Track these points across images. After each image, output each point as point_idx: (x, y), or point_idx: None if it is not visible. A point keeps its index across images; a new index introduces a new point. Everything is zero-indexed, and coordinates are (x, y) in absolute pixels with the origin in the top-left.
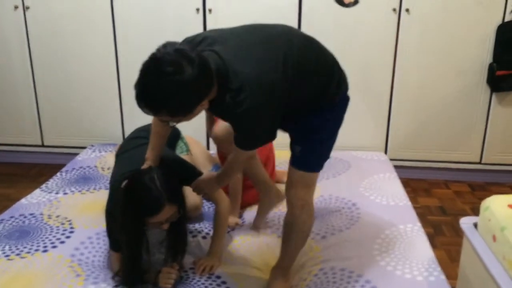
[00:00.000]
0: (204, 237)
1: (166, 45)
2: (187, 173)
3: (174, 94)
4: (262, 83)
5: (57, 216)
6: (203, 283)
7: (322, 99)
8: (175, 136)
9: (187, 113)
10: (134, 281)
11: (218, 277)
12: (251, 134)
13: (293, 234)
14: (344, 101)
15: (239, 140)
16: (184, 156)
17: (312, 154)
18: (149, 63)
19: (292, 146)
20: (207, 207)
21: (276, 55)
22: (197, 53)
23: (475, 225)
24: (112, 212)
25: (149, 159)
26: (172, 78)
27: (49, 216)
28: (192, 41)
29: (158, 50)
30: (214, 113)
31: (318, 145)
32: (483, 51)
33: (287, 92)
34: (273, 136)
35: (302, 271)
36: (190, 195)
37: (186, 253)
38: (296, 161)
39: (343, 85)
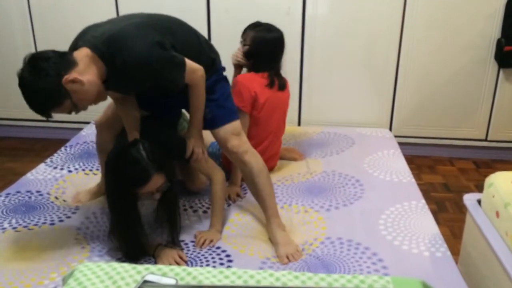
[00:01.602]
0: (205, 212)
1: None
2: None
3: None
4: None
5: (64, 201)
6: (205, 257)
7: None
8: (178, 116)
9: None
10: (135, 254)
11: (219, 248)
12: (160, 75)
13: (257, 179)
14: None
15: (171, 81)
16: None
17: (220, 109)
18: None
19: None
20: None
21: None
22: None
23: (479, 201)
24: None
25: (133, 134)
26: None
27: (56, 198)
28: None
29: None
30: (118, 89)
31: (220, 99)
32: (491, 26)
33: None
34: (183, 59)
35: (307, 235)
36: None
37: (179, 226)
38: (215, 121)
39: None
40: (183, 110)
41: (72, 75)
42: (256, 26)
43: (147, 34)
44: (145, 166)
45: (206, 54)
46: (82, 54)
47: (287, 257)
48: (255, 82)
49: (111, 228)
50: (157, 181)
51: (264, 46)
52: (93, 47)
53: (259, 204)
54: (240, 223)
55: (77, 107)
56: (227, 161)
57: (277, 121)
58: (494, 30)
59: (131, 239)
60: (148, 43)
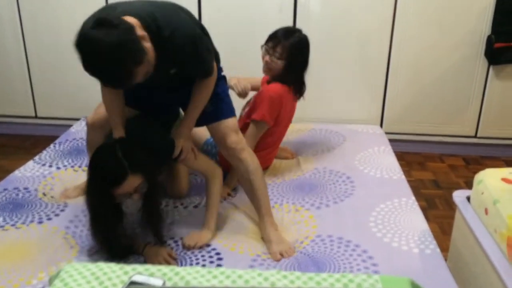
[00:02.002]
0: (195, 207)
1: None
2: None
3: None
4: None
5: (52, 197)
6: (195, 255)
7: None
8: (175, 116)
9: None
10: (116, 253)
11: (209, 245)
12: (200, 57)
13: (252, 177)
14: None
15: (205, 68)
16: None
17: (222, 103)
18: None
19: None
20: (200, 179)
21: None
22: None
23: (468, 198)
24: None
25: (118, 130)
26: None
27: (44, 194)
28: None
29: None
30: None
31: (221, 94)
32: (481, 23)
33: None
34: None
35: (297, 234)
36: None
37: (163, 226)
38: (217, 114)
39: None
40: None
41: (140, 31)
42: (286, 35)
43: (186, 16)
44: (120, 166)
45: (213, 48)
46: (132, 22)
47: (281, 254)
48: (285, 96)
49: (90, 227)
50: (133, 182)
51: (301, 56)
52: (138, 17)
53: (252, 202)
54: (230, 220)
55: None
56: (224, 161)
57: (286, 128)
58: (485, 27)
59: (109, 238)
60: (192, 23)
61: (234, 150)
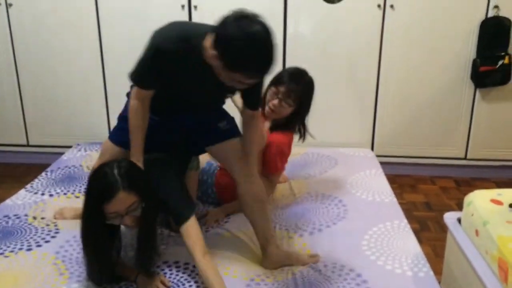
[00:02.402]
0: None
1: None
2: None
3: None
4: None
5: (42, 218)
6: (188, 281)
7: None
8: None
9: None
10: (108, 279)
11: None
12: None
13: (264, 199)
14: None
15: (259, 101)
16: (193, 172)
17: (233, 120)
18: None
19: (215, 125)
20: None
21: None
22: None
23: (459, 220)
24: None
25: (135, 158)
26: None
27: (34, 218)
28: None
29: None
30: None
31: (229, 115)
32: (466, 47)
33: None
34: None
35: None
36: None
37: (156, 254)
38: (230, 132)
39: None
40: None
41: None
42: (297, 79)
43: None
44: (111, 181)
45: None
46: None
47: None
48: (291, 142)
49: (82, 249)
50: (125, 199)
51: (309, 100)
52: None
53: (259, 223)
54: (223, 245)
55: None
56: (222, 191)
57: None
58: (470, 50)
59: (99, 261)
60: None
61: (254, 171)
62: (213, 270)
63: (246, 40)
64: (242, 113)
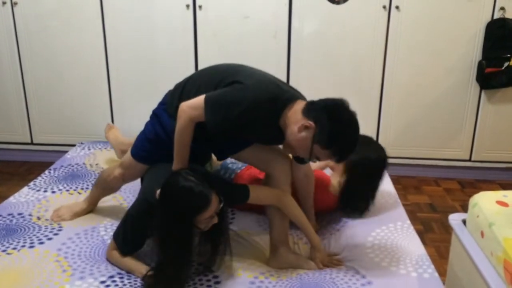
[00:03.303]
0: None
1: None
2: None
3: None
4: None
5: (47, 220)
6: (192, 279)
7: None
8: (207, 158)
9: None
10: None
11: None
12: None
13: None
14: None
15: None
16: None
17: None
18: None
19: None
20: None
21: None
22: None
23: (464, 221)
24: (136, 218)
25: (175, 167)
26: None
27: (38, 218)
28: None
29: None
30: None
31: None
32: (472, 49)
33: None
34: None
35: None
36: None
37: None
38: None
39: None
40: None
41: None
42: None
43: None
44: (201, 190)
45: None
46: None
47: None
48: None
49: (157, 270)
50: (215, 202)
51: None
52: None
53: (277, 221)
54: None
55: None
56: None
57: None
58: (475, 52)
59: (183, 276)
60: None
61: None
62: (294, 207)
63: (350, 131)
64: (294, 168)
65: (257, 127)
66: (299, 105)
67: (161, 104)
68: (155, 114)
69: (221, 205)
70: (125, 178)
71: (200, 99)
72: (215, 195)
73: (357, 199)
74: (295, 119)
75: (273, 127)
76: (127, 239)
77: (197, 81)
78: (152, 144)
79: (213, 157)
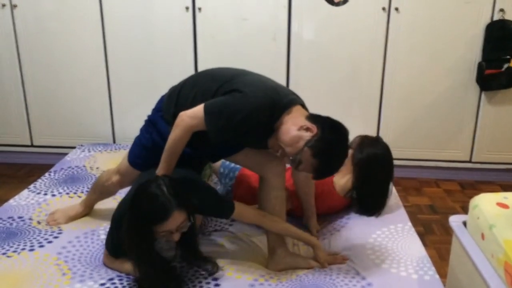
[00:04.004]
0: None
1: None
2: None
3: None
4: None
5: (46, 224)
6: (191, 281)
7: None
8: (204, 162)
9: None
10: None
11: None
12: None
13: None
14: None
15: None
16: (206, 180)
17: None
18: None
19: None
20: None
21: None
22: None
23: (465, 223)
24: (117, 221)
25: (159, 173)
26: None
27: (39, 222)
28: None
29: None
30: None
31: None
32: (472, 50)
33: None
34: None
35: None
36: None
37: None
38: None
39: None
40: None
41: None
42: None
43: None
44: (164, 202)
45: None
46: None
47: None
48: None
49: (137, 271)
50: (177, 218)
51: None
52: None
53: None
54: (227, 246)
55: None
56: (239, 194)
57: None
58: (475, 54)
59: (151, 278)
60: None
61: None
62: (280, 222)
63: (340, 156)
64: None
65: (257, 133)
66: (298, 110)
67: (157, 111)
68: (150, 122)
69: (189, 224)
70: (123, 184)
71: (199, 109)
72: (183, 213)
73: (373, 196)
74: (294, 120)
75: (270, 131)
76: (116, 242)
77: (193, 88)
78: (149, 152)
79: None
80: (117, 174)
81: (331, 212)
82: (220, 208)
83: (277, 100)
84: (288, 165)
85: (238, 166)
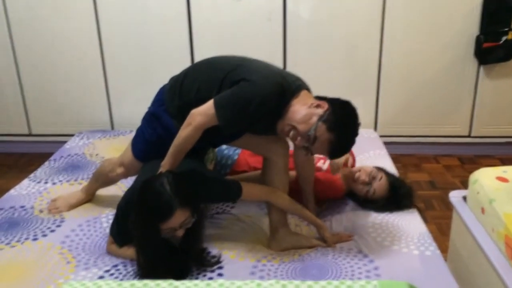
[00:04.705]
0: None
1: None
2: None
3: None
4: None
5: (49, 212)
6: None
7: None
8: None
9: None
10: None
11: (209, 253)
12: None
13: (287, 182)
14: None
15: None
16: (208, 164)
17: None
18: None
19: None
20: None
21: None
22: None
23: (465, 198)
24: (123, 211)
25: (165, 167)
26: None
27: (41, 211)
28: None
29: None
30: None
31: None
32: (469, 24)
33: None
34: None
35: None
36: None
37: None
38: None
39: None
40: None
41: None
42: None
43: None
44: (167, 200)
45: None
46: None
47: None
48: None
49: (136, 259)
50: (180, 216)
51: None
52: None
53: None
54: (229, 229)
55: None
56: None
57: None
58: (473, 27)
59: (156, 269)
60: None
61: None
62: (287, 198)
63: (353, 129)
64: (296, 151)
65: (267, 120)
66: (305, 95)
67: (159, 104)
68: (154, 115)
69: (193, 220)
70: (128, 175)
71: (209, 105)
72: (186, 211)
73: (406, 194)
74: (303, 102)
75: (278, 117)
76: (121, 231)
77: (196, 79)
78: (154, 146)
79: None
80: (122, 166)
81: (332, 197)
82: (227, 193)
83: (286, 86)
84: (290, 148)
85: (233, 154)
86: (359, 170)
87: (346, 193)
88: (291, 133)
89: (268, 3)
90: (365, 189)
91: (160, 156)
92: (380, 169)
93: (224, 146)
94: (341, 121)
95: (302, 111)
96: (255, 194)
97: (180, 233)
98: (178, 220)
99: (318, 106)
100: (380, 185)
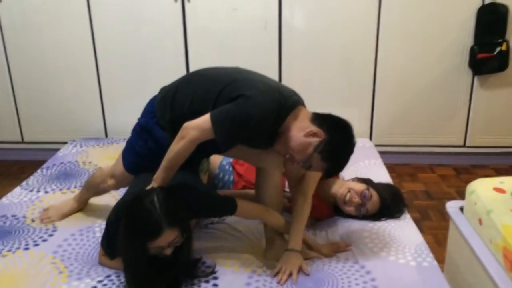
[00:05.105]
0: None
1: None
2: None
3: None
4: None
5: (41, 221)
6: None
7: None
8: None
9: None
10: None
11: (204, 263)
12: None
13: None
14: None
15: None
16: (203, 174)
17: None
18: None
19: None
20: None
21: None
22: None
23: (461, 208)
24: (113, 224)
25: (157, 181)
26: None
27: (33, 220)
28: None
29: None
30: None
31: None
32: (464, 34)
33: None
34: None
35: None
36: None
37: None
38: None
39: None
40: None
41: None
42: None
43: None
44: (156, 220)
45: None
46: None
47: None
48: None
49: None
50: (169, 236)
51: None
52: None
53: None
54: (224, 239)
55: None
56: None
57: None
58: (467, 38)
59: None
60: None
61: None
62: (281, 218)
63: (348, 154)
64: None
65: (264, 136)
66: (302, 112)
67: (150, 116)
68: (144, 128)
69: (182, 240)
70: (119, 187)
71: (205, 120)
72: (175, 231)
73: (396, 201)
74: (300, 125)
75: (274, 133)
76: (111, 243)
77: (189, 91)
78: (145, 159)
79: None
80: (113, 178)
81: (320, 218)
82: (221, 209)
83: (283, 101)
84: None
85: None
86: (349, 191)
87: (333, 210)
88: (288, 156)
89: (264, 12)
90: (358, 210)
91: (152, 169)
92: (366, 182)
93: (225, 162)
94: (336, 150)
95: (299, 139)
96: (249, 212)
97: (168, 251)
98: (167, 240)
99: (314, 135)
100: (372, 203)
